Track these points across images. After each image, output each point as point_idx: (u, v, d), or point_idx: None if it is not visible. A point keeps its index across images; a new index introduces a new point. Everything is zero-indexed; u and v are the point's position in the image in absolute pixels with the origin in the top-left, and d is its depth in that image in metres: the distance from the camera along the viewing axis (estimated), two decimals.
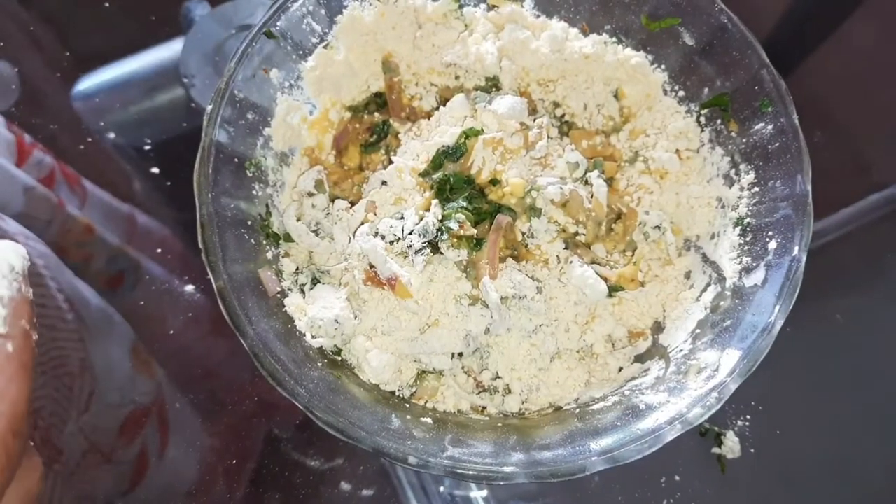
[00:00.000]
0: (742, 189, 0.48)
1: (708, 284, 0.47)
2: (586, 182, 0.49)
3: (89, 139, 0.66)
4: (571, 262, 0.47)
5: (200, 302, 0.58)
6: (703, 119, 0.51)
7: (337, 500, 0.53)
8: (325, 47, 0.51)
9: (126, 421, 0.53)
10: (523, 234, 0.47)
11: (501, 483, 0.38)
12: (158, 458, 0.53)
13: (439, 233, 0.44)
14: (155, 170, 0.66)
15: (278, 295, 0.45)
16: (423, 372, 0.46)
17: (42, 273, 0.52)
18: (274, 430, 0.55)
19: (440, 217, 0.45)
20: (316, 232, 0.48)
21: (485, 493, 0.53)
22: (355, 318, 0.45)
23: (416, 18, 0.53)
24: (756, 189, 0.47)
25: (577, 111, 0.53)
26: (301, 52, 0.50)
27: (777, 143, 0.46)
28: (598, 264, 0.49)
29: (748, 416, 0.54)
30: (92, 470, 0.50)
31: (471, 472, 0.38)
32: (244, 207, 0.45)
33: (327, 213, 0.49)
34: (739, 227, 0.47)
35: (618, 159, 0.53)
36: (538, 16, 0.54)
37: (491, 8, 0.54)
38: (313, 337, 0.44)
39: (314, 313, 0.44)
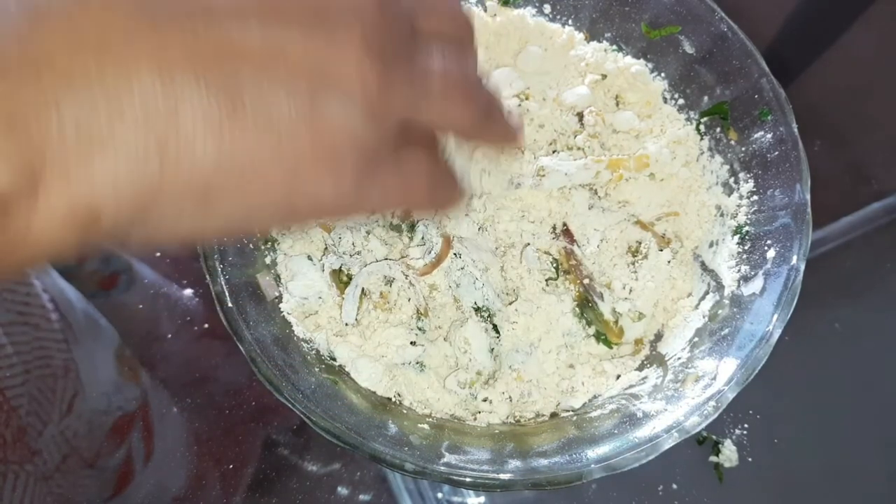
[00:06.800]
0: (741, 197, 0.48)
1: (706, 293, 0.47)
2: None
3: None
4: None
5: (196, 305, 0.58)
6: (702, 127, 0.51)
7: None
8: None
9: (112, 427, 0.52)
10: None
11: (499, 490, 0.38)
12: (144, 464, 0.52)
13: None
14: None
15: (276, 300, 0.44)
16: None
17: (27, 271, 0.51)
18: (271, 434, 0.54)
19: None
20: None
21: (483, 499, 0.53)
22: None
23: None
24: (755, 198, 0.47)
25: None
26: None
27: (776, 152, 0.46)
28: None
29: (746, 425, 0.54)
30: (72, 474, 0.50)
31: (468, 480, 0.38)
32: None
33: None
34: (738, 235, 0.47)
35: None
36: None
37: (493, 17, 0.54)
38: (301, 315, 0.44)
39: (297, 291, 0.45)
